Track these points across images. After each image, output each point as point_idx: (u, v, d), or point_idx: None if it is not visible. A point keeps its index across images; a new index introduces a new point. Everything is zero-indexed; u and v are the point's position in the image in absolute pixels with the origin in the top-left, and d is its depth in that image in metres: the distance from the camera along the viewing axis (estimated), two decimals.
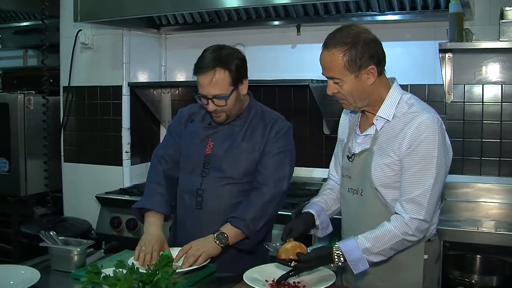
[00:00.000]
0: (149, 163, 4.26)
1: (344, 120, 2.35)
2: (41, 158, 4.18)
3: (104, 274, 1.62)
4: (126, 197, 3.75)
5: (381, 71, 2.06)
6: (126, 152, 4.11)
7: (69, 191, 4.30)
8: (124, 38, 4.04)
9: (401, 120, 2.03)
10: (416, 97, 2.12)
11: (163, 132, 4.47)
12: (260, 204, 2.35)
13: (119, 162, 4.12)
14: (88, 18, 3.55)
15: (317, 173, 3.96)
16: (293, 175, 4.00)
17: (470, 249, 3.04)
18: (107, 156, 4.17)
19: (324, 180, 3.84)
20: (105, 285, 1.58)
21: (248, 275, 2.03)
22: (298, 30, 3.90)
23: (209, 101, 2.34)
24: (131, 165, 4.15)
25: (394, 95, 2.08)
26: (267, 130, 2.46)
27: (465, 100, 3.52)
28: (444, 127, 2.03)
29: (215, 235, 2.27)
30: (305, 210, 2.27)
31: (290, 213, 3.18)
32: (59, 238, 2.38)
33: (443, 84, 3.50)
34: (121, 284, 1.56)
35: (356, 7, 3.58)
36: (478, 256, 3.18)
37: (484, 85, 3.48)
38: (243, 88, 2.41)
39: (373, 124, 2.11)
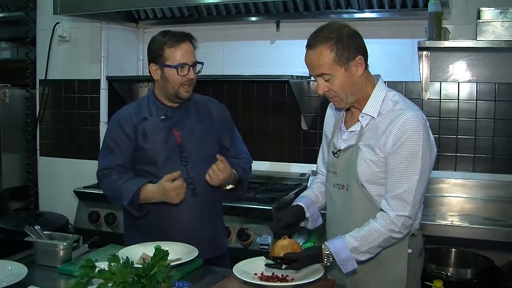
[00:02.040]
0: None
1: (329, 116, 2.37)
2: (16, 152, 4.16)
3: (99, 268, 1.62)
4: None
5: (366, 62, 2.10)
6: None
7: (45, 185, 4.24)
8: (102, 31, 4.01)
9: (386, 117, 2.06)
10: (400, 95, 2.15)
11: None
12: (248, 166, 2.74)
13: (96, 156, 4.06)
14: (68, 11, 3.51)
15: (295, 168, 4.01)
16: (271, 170, 4.10)
17: (445, 242, 3.11)
18: (84, 150, 4.14)
19: (302, 175, 3.93)
20: (100, 279, 1.59)
21: (237, 268, 2.05)
22: (278, 26, 3.92)
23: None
24: None
25: (379, 92, 2.11)
26: (214, 111, 2.69)
27: (441, 98, 3.60)
28: (428, 124, 2.07)
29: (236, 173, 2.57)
30: (294, 203, 2.30)
31: (270, 208, 3.22)
32: (44, 232, 2.36)
33: (420, 82, 3.58)
34: (117, 278, 1.57)
35: (335, 4, 3.62)
36: (453, 249, 3.28)
37: (459, 83, 3.56)
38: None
39: (359, 121, 2.14)
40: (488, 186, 3.50)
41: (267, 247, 3.21)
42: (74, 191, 3.77)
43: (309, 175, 3.89)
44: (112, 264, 1.61)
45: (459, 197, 3.51)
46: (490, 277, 3.04)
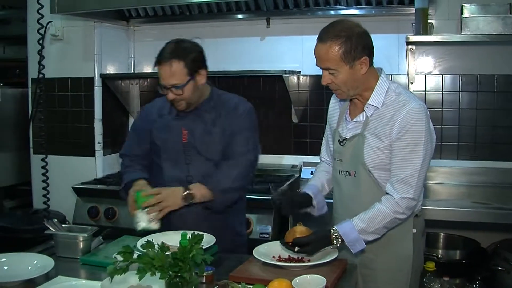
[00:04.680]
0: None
1: (334, 107, 2.50)
2: (9, 150, 4.18)
3: (138, 254, 1.72)
4: (103, 187, 3.80)
5: (371, 61, 2.24)
6: (99, 143, 4.14)
7: (39, 183, 4.26)
8: (95, 30, 4.06)
9: (391, 107, 2.21)
10: (402, 87, 2.30)
11: (131, 123, 4.52)
12: (226, 171, 2.60)
13: (91, 153, 4.14)
14: (66, 10, 3.55)
15: (287, 160, 4.16)
16: (264, 162, 4.20)
17: (434, 225, 3.25)
18: (79, 148, 4.18)
19: (294, 166, 4.07)
20: (140, 264, 1.69)
21: (257, 251, 2.18)
22: (268, 23, 4.03)
23: (168, 90, 2.52)
24: (104, 155, 4.19)
25: (382, 84, 2.26)
26: (232, 113, 2.65)
27: (426, 89, 3.79)
28: (428, 114, 2.23)
29: (183, 194, 2.51)
30: (303, 191, 2.44)
31: (269, 198, 3.29)
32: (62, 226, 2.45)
33: (406, 74, 3.74)
34: (156, 262, 1.67)
35: (324, 1, 3.75)
36: (442, 233, 3.48)
37: (443, 75, 3.75)
38: (201, 78, 2.57)
39: (364, 111, 2.28)
40: (471, 173, 3.70)
41: (267, 235, 3.34)
42: (72, 187, 3.82)
43: (301, 167, 4.03)
44: (149, 249, 1.72)
45: (445, 184, 3.70)
46: (476, 257, 3.23)
